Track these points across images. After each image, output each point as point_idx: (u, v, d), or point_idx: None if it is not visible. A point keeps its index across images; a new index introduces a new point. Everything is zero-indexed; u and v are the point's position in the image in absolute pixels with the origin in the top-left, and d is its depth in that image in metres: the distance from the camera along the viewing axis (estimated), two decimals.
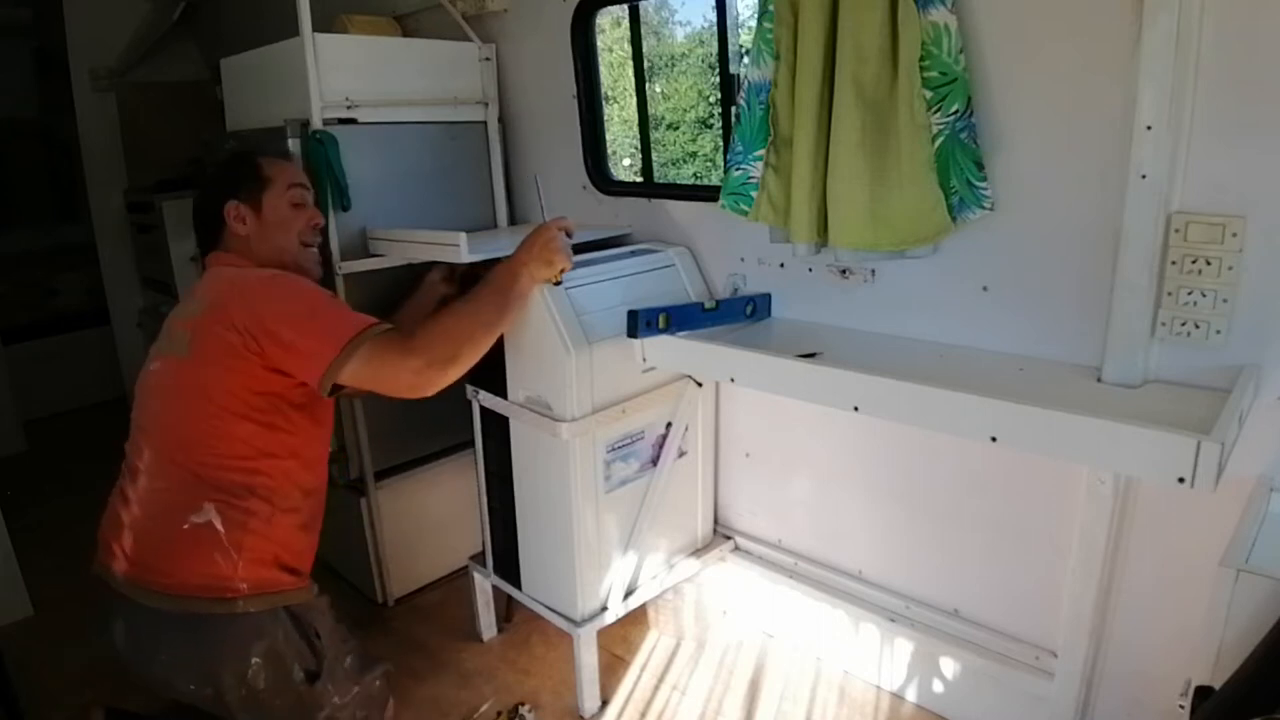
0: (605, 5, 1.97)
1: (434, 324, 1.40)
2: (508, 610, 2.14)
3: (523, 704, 1.84)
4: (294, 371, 1.32)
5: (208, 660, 1.28)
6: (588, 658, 1.79)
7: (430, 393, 1.36)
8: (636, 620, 2.04)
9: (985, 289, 1.48)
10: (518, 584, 1.91)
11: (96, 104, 3.49)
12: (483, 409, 1.85)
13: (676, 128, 6.38)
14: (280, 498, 1.35)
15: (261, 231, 1.50)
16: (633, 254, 1.87)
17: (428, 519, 2.24)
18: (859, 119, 1.39)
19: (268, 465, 1.34)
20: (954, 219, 1.40)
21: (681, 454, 1.90)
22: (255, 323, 1.29)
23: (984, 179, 1.38)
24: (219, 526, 1.28)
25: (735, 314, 1.75)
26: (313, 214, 1.58)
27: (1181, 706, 1.08)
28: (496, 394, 1.77)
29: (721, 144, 2.01)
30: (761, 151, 1.56)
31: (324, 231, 1.72)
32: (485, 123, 2.20)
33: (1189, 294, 1.24)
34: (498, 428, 1.82)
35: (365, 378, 1.32)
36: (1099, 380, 1.33)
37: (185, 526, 1.27)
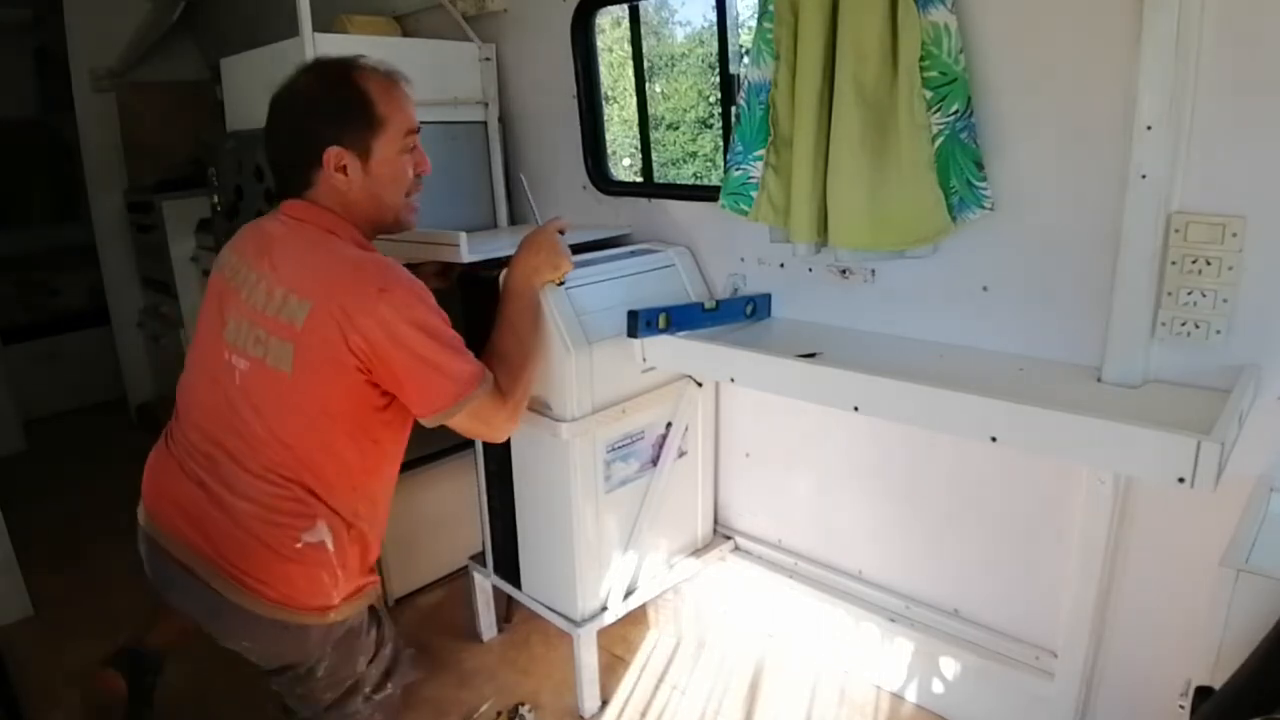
0: (605, 5, 1.97)
1: (509, 367, 1.36)
2: (508, 610, 2.14)
3: (523, 704, 1.84)
4: (404, 400, 1.26)
5: (291, 654, 1.29)
6: (588, 658, 1.79)
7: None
8: (636, 620, 2.04)
9: (985, 289, 1.48)
10: (518, 584, 1.91)
11: (96, 104, 3.48)
12: None
13: (676, 128, 6.37)
14: (378, 509, 1.34)
15: (367, 186, 1.27)
16: (633, 254, 1.87)
17: (428, 519, 2.24)
18: (859, 119, 1.39)
19: (367, 481, 1.30)
20: (954, 219, 1.40)
21: (681, 454, 1.90)
22: (370, 349, 1.18)
23: (984, 179, 1.38)
24: (330, 546, 1.24)
25: (735, 314, 1.75)
26: (421, 159, 1.35)
27: (1181, 706, 1.08)
28: None
29: (721, 144, 2.01)
30: (761, 151, 1.55)
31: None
32: (485, 123, 2.20)
33: (1189, 294, 1.24)
34: None
35: (463, 429, 1.31)
36: (1099, 380, 1.33)
37: (298, 545, 1.21)
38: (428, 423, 1.28)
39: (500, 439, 1.41)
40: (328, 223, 1.27)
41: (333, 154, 1.24)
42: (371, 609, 1.37)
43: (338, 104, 1.25)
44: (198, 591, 1.23)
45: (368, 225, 1.32)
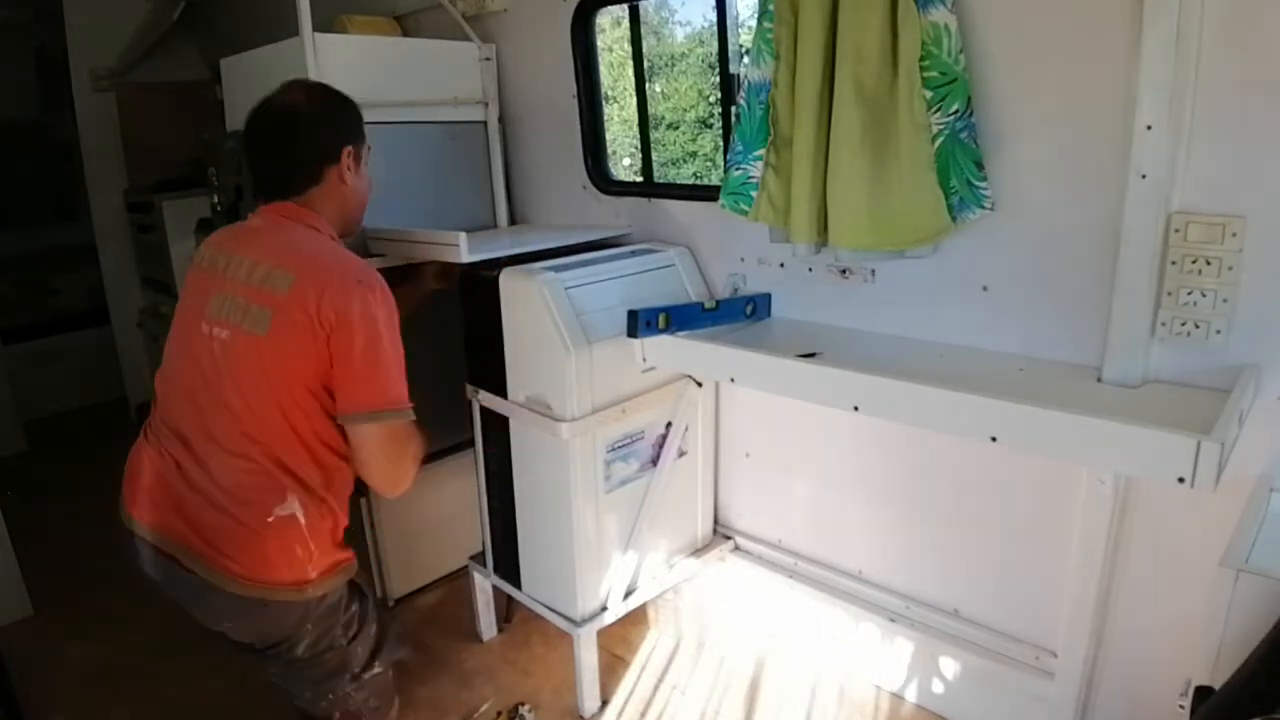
0: (605, 5, 1.97)
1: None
2: (508, 610, 2.14)
3: (523, 704, 1.84)
4: (336, 387, 1.27)
5: (272, 632, 1.33)
6: (588, 658, 1.79)
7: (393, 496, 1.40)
8: (636, 620, 2.04)
9: (985, 289, 1.48)
10: (518, 584, 1.91)
11: (96, 104, 3.48)
12: (483, 409, 1.85)
13: (676, 128, 6.38)
14: (343, 483, 1.38)
15: (358, 187, 1.43)
16: (633, 254, 1.87)
17: (428, 519, 2.24)
18: (859, 119, 1.39)
19: (327, 454, 1.33)
20: (954, 219, 1.40)
21: (681, 454, 1.90)
22: (336, 325, 1.23)
23: (984, 179, 1.38)
24: (301, 519, 1.29)
25: (735, 314, 1.75)
26: None
27: (1181, 706, 1.08)
28: (496, 394, 1.77)
29: (721, 144, 2.01)
30: (761, 151, 1.55)
31: None
32: (485, 123, 2.20)
33: (1189, 294, 1.24)
34: (498, 428, 1.82)
35: (370, 447, 1.29)
36: (1099, 380, 1.33)
37: (270, 519, 1.26)
38: (343, 419, 1.28)
39: (388, 485, 1.37)
40: (310, 220, 1.36)
41: (347, 152, 1.39)
42: (353, 584, 1.41)
43: (348, 113, 1.43)
44: (182, 578, 1.28)
45: (345, 226, 1.44)
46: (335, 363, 1.26)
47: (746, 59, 1.59)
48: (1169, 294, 1.26)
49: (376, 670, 1.44)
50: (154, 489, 1.30)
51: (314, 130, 1.38)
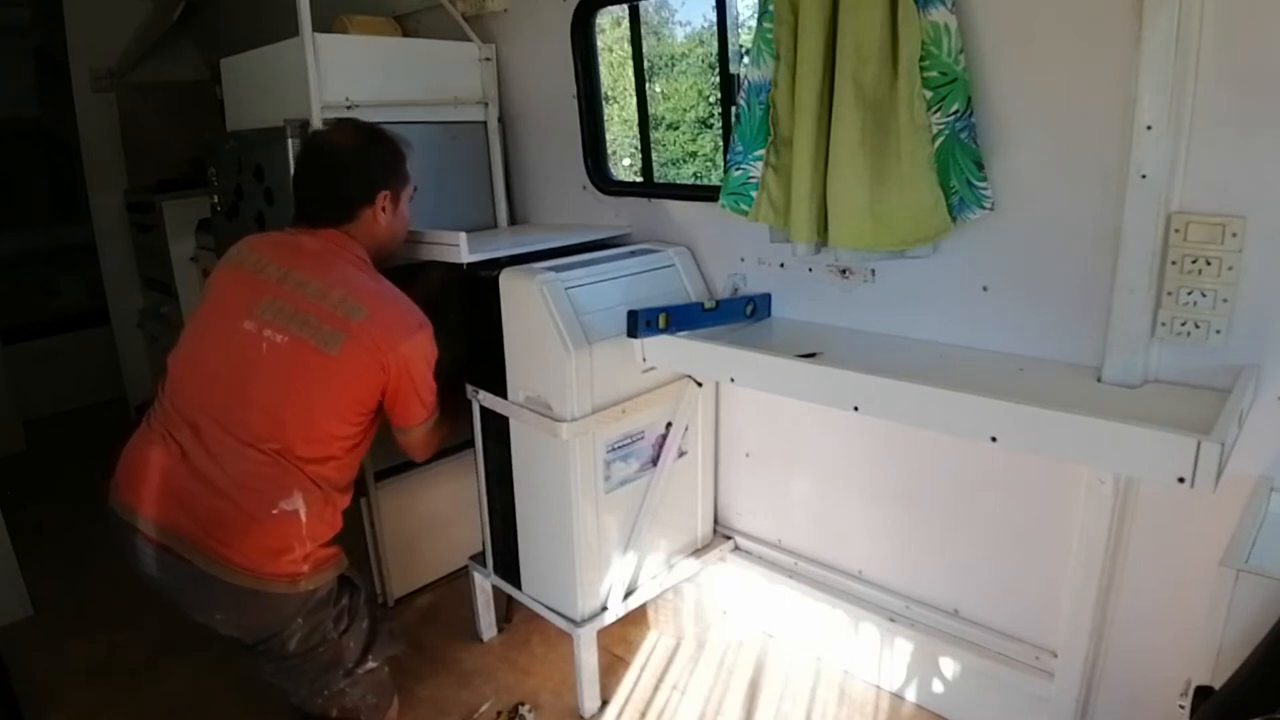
0: (605, 5, 1.97)
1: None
2: (508, 610, 2.14)
3: (523, 704, 1.84)
4: (391, 407, 1.48)
5: (263, 625, 1.37)
6: (588, 658, 1.79)
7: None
8: (636, 620, 2.04)
9: (985, 289, 1.48)
10: (518, 584, 1.91)
11: (96, 104, 3.49)
12: (483, 409, 1.85)
13: (676, 128, 6.38)
14: (348, 485, 1.47)
15: (393, 226, 1.56)
16: (633, 254, 1.87)
17: (428, 519, 2.24)
18: (859, 119, 1.39)
19: (349, 460, 1.45)
20: (954, 219, 1.40)
21: (681, 454, 1.90)
22: (396, 363, 1.41)
23: (984, 179, 1.38)
24: (303, 517, 1.33)
25: (735, 314, 1.75)
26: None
27: (1181, 706, 1.08)
28: (496, 394, 1.77)
29: (721, 144, 2.01)
30: (761, 151, 1.55)
31: None
32: (485, 123, 2.20)
33: (1189, 294, 1.24)
34: (498, 428, 1.82)
35: (415, 440, 1.57)
36: (1099, 380, 1.33)
37: (274, 512, 1.31)
38: (398, 431, 1.54)
39: (424, 456, 1.65)
40: (357, 252, 1.49)
41: (384, 196, 1.51)
42: (343, 578, 1.44)
43: (388, 158, 1.54)
44: (175, 566, 1.30)
45: (380, 258, 1.57)
46: (397, 391, 1.44)
47: (746, 59, 1.59)
48: (1169, 294, 1.26)
49: (371, 665, 1.46)
50: (153, 477, 1.33)
51: (350, 173, 1.50)
